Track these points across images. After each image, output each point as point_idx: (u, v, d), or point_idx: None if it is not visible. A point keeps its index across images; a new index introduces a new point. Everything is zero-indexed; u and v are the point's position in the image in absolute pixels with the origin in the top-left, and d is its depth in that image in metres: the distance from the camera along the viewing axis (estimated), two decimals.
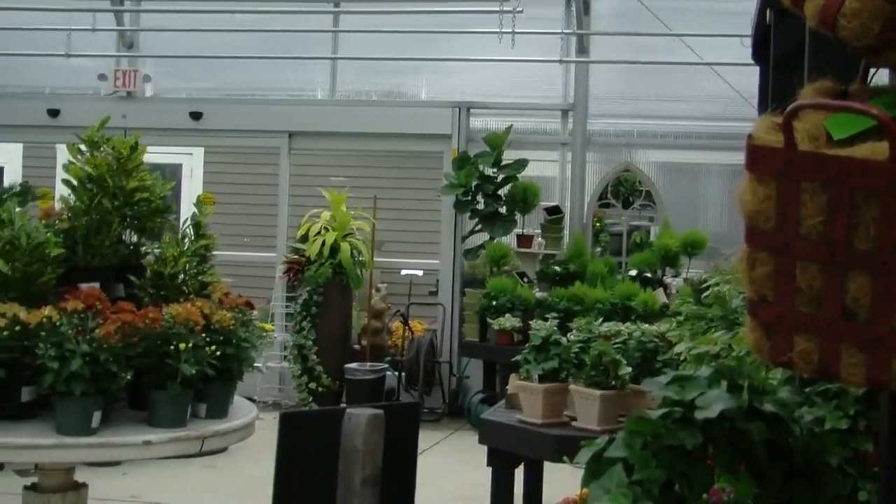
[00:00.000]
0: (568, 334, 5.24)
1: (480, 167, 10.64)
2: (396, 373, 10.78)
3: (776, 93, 3.77)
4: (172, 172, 14.21)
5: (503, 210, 10.70)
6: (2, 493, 7.11)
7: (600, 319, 5.55)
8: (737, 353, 3.06)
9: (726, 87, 10.29)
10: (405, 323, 11.13)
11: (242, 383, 4.41)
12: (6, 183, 11.61)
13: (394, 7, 11.36)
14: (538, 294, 10.07)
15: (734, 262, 3.73)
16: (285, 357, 10.82)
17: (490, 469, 5.38)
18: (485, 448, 5.41)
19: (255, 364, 4.43)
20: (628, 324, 5.37)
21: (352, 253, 10.48)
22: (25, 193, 9.26)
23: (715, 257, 8.82)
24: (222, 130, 11.81)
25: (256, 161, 14.02)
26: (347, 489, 3.91)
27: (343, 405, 9.29)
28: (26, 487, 4.23)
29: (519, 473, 5.54)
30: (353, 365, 10.43)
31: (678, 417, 2.35)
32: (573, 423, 4.96)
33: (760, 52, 4.32)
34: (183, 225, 4.60)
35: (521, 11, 10.10)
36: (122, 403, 4.21)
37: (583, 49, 11.25)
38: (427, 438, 6.49)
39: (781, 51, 3.71)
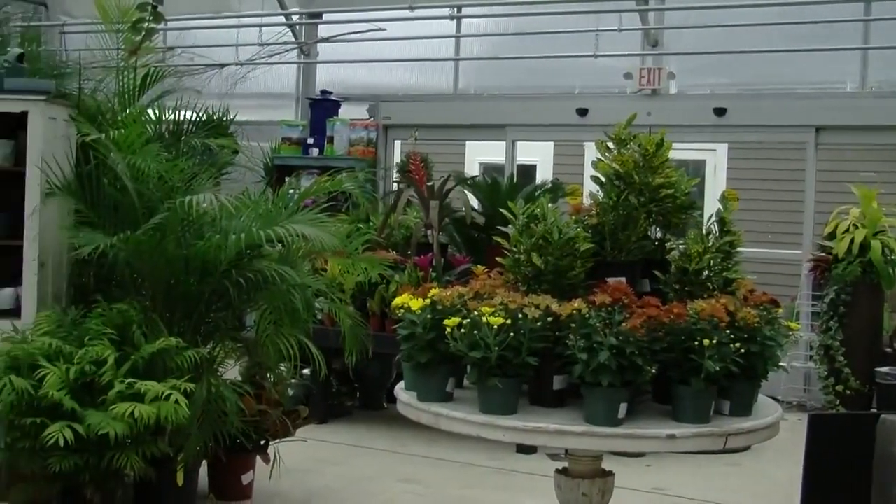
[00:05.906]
0: None
1: None
2: None
3: None
4: (696, 168, 14.33)
5: None
6: (536, 475, 7.54)
7: None
8: None
9: None
10: None
11: (766, 382, 4.34)
12: (538, 180, 12.21)
13: None
14: None
15: None
16: (811, 357, 10.53)
17: None
18: None
19: (780, 363, 4.33)
20: None
21: (883, 251, 9.99)
22: (556, 190, 9.71)
23: None
24: (746, 126, 11.65)
25: (780, 156, 13.80)
26: (884, 499, 3.73)
27: (874, 410, 8.91)
28: (558, 471, 4.43)
29: None
30: (885, 369, 9.91)
31: None
32: None
33: None
34: (707, 221, 4.58)
35: None
36: (647, 397, 4.28)
37: None
38: None
39: None
